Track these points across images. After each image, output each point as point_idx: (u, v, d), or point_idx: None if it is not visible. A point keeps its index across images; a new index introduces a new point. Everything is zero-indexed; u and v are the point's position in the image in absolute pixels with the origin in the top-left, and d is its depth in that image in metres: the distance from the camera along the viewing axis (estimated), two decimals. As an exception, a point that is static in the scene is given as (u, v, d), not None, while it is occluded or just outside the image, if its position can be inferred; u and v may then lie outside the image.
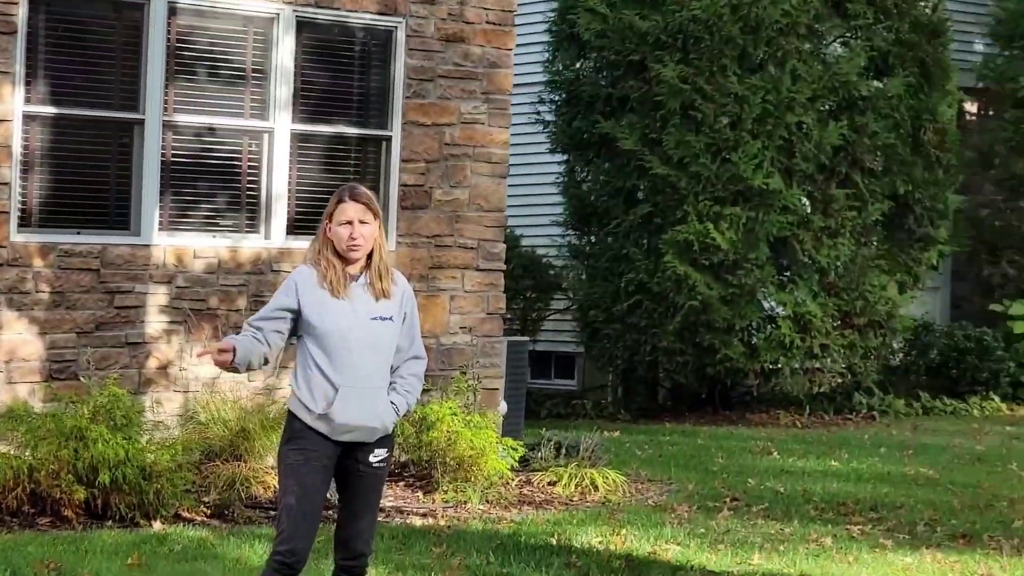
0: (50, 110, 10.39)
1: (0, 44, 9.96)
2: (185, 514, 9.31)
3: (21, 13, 10.08)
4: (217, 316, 10.79)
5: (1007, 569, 8.20)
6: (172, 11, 10.81)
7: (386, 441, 5.96)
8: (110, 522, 8.92)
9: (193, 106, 11.08)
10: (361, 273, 5.87)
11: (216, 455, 10.09)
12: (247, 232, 11.27)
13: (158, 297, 10.62)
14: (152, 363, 10.79)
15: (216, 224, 11.28)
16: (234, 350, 5.72)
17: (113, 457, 8.77)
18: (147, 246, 10.59)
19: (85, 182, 10.84)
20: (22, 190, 10.28)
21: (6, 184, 9.99)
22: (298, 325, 5.84)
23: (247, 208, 11.32)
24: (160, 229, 10.83)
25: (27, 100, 10.21)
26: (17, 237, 10.10)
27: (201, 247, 10.95)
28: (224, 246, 11.02)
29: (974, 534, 9.30)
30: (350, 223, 5.75)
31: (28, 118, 10.26)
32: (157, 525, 8.95)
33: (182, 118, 10.97)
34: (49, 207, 10.54)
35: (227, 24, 11.12)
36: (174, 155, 10.97)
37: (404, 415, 6.08)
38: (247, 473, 9.80)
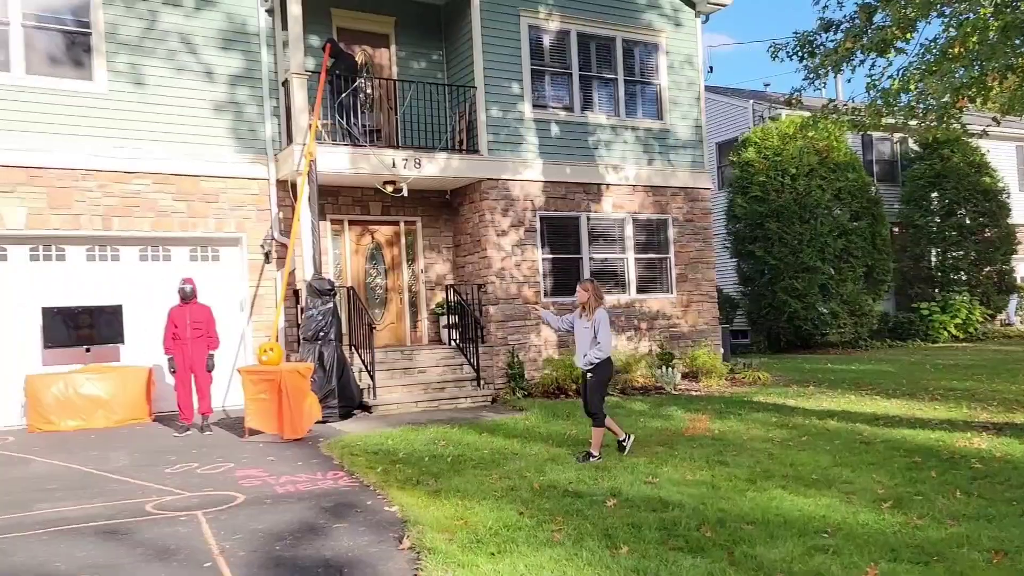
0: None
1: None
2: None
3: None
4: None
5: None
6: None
7: (592, 369, 11.19)
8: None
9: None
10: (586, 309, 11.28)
11: (619, 371, 20.70)
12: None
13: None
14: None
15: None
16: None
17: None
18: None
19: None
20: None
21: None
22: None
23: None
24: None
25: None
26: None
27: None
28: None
29: None
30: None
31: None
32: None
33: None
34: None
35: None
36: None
37: (595, 360, 11.23)
38: (629, 378, 20.90)
